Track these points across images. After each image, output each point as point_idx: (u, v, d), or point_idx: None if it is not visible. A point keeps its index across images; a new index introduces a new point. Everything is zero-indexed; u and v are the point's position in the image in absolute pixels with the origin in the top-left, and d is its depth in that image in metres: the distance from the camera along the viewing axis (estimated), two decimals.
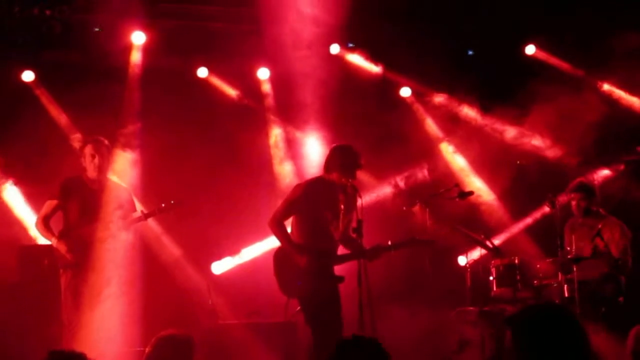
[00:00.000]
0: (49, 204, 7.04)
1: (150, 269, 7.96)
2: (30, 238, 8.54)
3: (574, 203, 7.71)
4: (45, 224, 6.99)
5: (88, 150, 7.06)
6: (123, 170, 8.37)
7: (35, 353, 6.80)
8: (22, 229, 8.59)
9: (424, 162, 9.57)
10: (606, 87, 9.50)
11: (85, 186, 7.04)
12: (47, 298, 7.28)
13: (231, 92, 9.51)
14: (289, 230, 6.81)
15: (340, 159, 6.72)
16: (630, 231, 7.64)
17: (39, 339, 7.06)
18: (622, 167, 9.32)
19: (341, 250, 6.86)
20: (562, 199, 7.70)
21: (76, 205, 6.96)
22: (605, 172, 9.38)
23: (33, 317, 7.38)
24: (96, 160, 7.02)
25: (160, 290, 8.17)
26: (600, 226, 7.48)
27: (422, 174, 9.49)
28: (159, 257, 8.51)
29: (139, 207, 7.33)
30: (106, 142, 7.17)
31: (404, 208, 8.54)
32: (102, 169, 7.08)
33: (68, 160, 7.78)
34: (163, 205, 7.16)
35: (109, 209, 6.94)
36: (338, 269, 6.71)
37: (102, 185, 7.07)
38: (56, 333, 6.87)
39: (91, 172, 7.05)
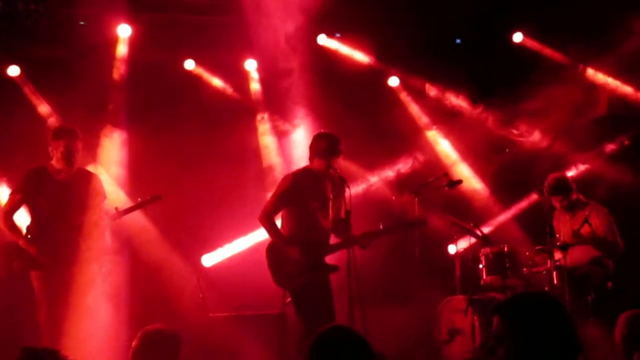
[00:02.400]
0: (12, 199, 6.67)
1: (139, 262, 7.94)
2: None
3: (557, 204, 7.73)
4: (9, 220, 6.59)
5: (63, 142, 6.62)
6: (110, 163, 8.39)
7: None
8: None
9: (413, 153, 9.56)
10: (595, 74, 9.50)
11: (51, 178, 6.65)
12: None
13: (219, 84, 9.48)
14: (279, 223, 6.81)
15: (319, 146, 6.76)
16: (613, 216, 7.65)
17: (27, 334, 6.96)
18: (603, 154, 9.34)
19: (333, 239, 6.86)
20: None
21: (44, 200, 6.58)
22: (593, 159, 9.38)
23: (21, 314, 7.28)
24: (69, 155, 6.62)
25: (150, 284, 8.15)
26: (587, 213, 7.50)
27: (411, 163, 9.49)
28: (147, 250, 8.47)
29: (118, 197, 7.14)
30: (80, 134, 6.77)
31: (393, 198, 8.57)
32: (73, 163, 6.69)
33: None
34: (140, 200, 6.91)
35: (82, 198, 6.65)
36: (330, 258, 6.71)
37: (69, 175, 6.68)
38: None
39: (60, 164, 6.65)
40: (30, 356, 3.46)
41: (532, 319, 3.15)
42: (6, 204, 6.73)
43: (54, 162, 6.71)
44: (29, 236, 6.57)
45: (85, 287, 6.51)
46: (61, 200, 6.60)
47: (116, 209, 6.83)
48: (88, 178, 6.84)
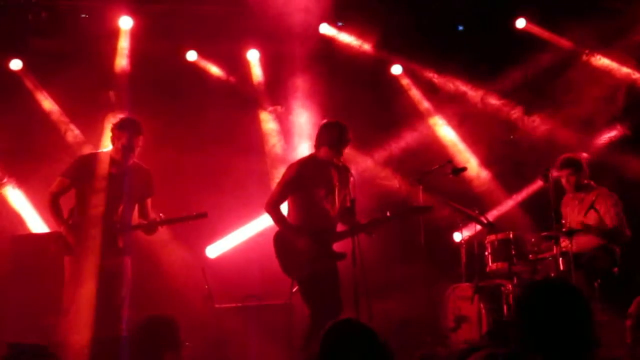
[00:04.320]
0: (61, 182, 6.61)
1: (143, 255, 7.93)
2: (25, 227, 8.55)
3: (563, 180, 7.67)
4: (55, 202, 6.57)
5: (126, 134, 6.57)
6: None
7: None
8: (16, 218, 8.57)
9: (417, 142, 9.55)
10: (599, 59, 9.44)
11: (104, 168, 6.59)
12: (44, 286, 7.14)
13: (221, 74, 9.46)
14: (285, 212, 6.81)
15: (327, 135, 6.73)
16: (622, 202, 7.60)
17: (35, 328, 6.98)
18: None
19: (339, 227, 6.85)
20: (555, 173, 7.66)
21: (92, 189, 6.52)
22: (600, 146, 9.34)
23: (29, 307, 7.29)
24: (130, 148, 6.58)
25: (155, 277, 8.17)
26: (593, 198, 7.47)
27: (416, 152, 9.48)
28: (151, 242, 8.46)
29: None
30: (143, 130, 6.70)
31: (398, 186, 8.55)
32: (130, 157, 6.65)
33: (56, 148, 7.73)
34: (185, 215, 6.79)
35: (130, 192, 6.62)
36: (336, 246, 6.71)
37: (123, 168, 6.64)
38: (53, 321, 6.72)
39: (118, 155, 6.62)
40: (17, 352, 3.47)
41: (546, 306, 3.12)
42: (54, 186, 6.64)
43: (112, 151, 6.69)
44: (70, 221, 6.55)
45: (114, 279, 6.53)
46: (109, 192, 6.55)
47: (160, 216, 6.75)
48: (140, 173, 6.78)
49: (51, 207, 6.62)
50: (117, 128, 6.66)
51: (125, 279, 6.61)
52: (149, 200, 6.86)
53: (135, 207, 6.78)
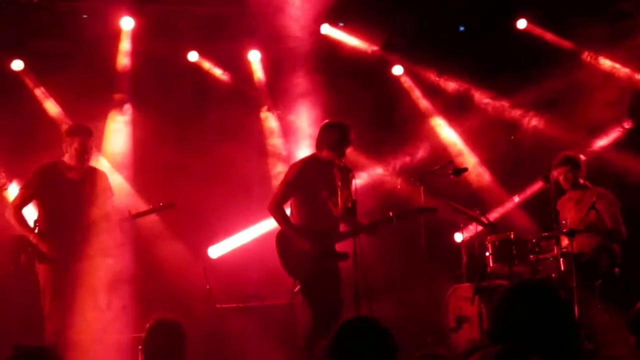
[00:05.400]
0: (23, 193, 6.71)
1: (145, 255, 7.95)
2: None
3: (561, 177, 7.67)
4: (19, 215, 6.64)
5: (78, 139, 6.68)
6: (114, 156, 8.40)
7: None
8: None
9: (418, 141, 9.55)
10: (602, 60, 9.43)
11: (62, 175, 6.71)
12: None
13: (222, 75, 9.47)
14: (288, 212, 6.81)
15: (330, 135, 6.72)
16: (619, 201, 7.61)
17: (36, 329, 6.97)
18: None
19: (342, 227, 6.85)
20: (554, 172, 7.67)
21: (55, 197, 6.64)
22: (600, 146, 9.34)
23: (29, 307, 7.27)
24: (83, 152, 6.70)
25: (157, 277, 8.17)
26: (594, 198, 7.46)
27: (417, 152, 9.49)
28: (153, 242, 8.48)
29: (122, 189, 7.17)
30: (92, 132, 6.88)
31: (399, 187, 8.56)
32: (85, 161, 6.78)
33: (58, 149, 7.71)
34: (152, 206, 7.07)
35: (91, 195, 6.71)
36: (338, 247, 6.71)
37: (80, 172, 6.77)
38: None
39: (73, 161, 6.72)
40: (23, 354, 3.48)
41: (523, 309, 3.12)
42: (17, 198, 6.76)
43: (66, 158, 6.77)
44: (36, 231, 6.61)
45: (92, 281, 6.55)
46: (71, 197, 6.65)
47: (129, 212, 6.87)
48: (97, 176, 6.90)
49: (17, 220, 6.66)
50: (68, 134, 6.79)
51: (100, 280, 6.62)
52: (110, 201, 6.93)
53: (99, 209, 6.79)
